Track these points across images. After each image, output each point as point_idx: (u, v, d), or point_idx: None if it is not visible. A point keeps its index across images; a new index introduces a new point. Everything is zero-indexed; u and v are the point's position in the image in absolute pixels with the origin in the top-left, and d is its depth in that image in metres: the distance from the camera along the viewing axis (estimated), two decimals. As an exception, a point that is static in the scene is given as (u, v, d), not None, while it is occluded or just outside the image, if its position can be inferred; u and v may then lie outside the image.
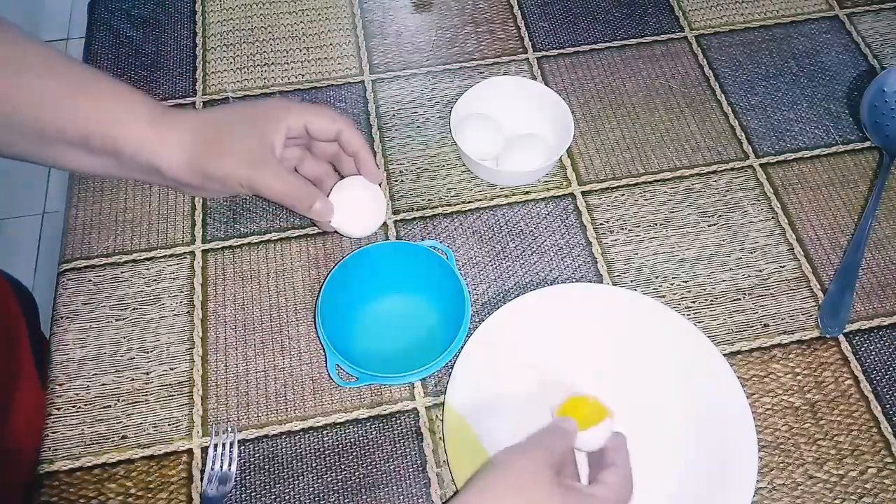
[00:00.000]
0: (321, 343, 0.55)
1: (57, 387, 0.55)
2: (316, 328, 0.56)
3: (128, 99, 0.47)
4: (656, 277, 0.61)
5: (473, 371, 0.54)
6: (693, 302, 0.60)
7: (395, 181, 0.65)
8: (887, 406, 0.55)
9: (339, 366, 0.54)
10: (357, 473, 0.52)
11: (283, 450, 0.53)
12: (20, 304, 0.63)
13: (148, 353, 0.57)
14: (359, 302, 0.58)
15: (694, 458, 0.52)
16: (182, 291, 0.60)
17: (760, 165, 0.67)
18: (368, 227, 0.56)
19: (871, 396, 0.55)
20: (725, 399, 0.53)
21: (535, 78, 0.71)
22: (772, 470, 0.53)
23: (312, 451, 0.53)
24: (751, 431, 0.51)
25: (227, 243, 0.62)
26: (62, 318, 0.58)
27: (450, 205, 0.64)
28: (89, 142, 0.46)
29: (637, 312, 0.56)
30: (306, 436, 0.54)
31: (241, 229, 0.63)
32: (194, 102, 0.70)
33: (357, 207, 0.54)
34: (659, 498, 0.51)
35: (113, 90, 0.47)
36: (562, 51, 0.74)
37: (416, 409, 0.55)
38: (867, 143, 0.68)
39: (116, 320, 0.58)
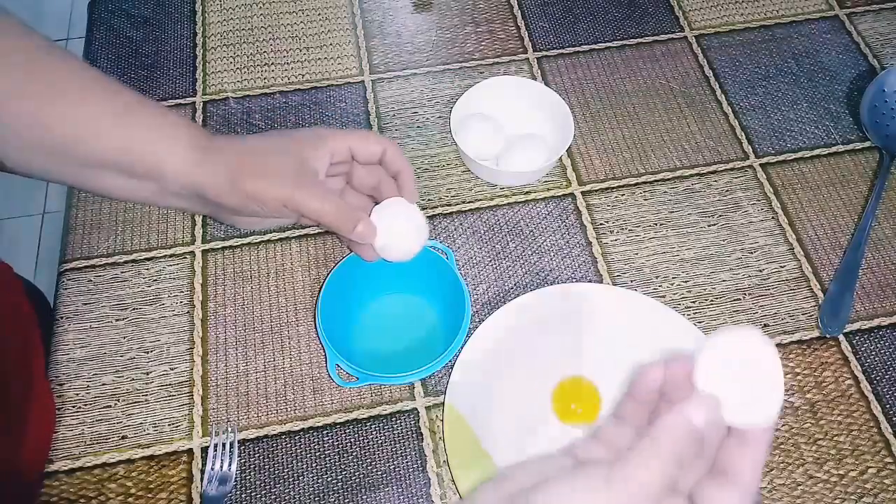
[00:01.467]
0: (321, 343, 0.55)
1: (57, 387, 0.55)
2: (316, 328, 0.56)
3: (171, 123, 0.46)
4: (656, 277, 0.61)
5: (473, 371, 0.54)
6: (693, 302, 0.60)
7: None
8: (887, 406, 0.55)
9: (339, 366, 0.54)
10: (357, 473, 0.53)
11: (283, 450, 0.53)
12: (33, 307, 0.63)
13: (148, 353, 0.57)
14: (359, 302, 0.58)
15: None
16: (182, 291, 0.60)
17: (760, 165, 0.67)
18: (412, 250, 0.53)
19: (871, 396, 0.55)
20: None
21: (535, 78, 0.71)
22: (772, 470, 0.53)
23: (312, 451, 0.53)
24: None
25: (227, 243, 0.62)
26: (62, 318, 0.58)
27: (450, 205, 0.64)
28: (133, 166, 0.45)
29: (637, 312, 0.56)
30: (306, 436, 0.54)
31: (242, 229, 0.63)
32: (194, 102, 0.70)
33: (400, 230, 0.52)
34: None
35: (154, 113, 0.46)
36: (562, 51, 0.74)
37: (416, 409, 0.55)
38: (867, 143, 0.68)
39: (116, 320, 0.58)
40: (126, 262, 0.61)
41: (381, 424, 0.54)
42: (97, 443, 0.53)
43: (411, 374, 0.53)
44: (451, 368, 0.54)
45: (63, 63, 0.44)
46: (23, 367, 0.54)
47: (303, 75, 0.72)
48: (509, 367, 0.55)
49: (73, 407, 0.55)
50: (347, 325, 0.57)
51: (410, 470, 0.53)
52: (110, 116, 0.44)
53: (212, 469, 0.52)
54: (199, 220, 0.63)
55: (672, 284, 0.60)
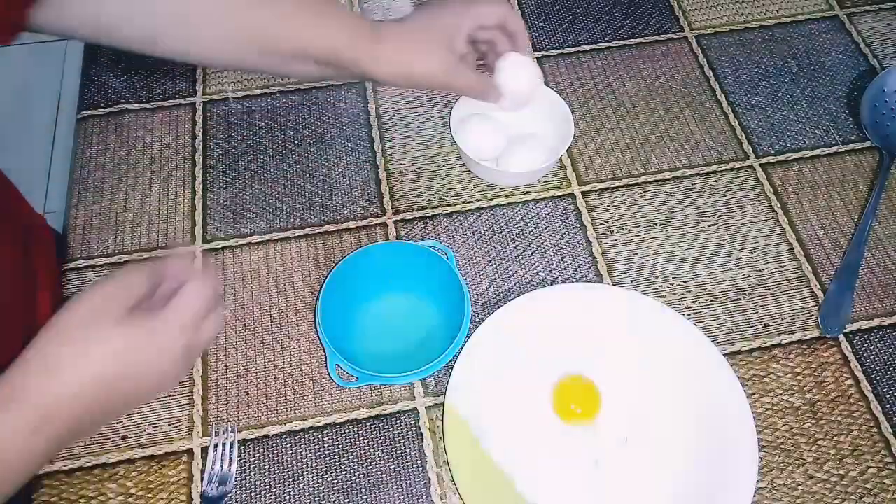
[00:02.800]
0: (321, 343, 0.55)
1: (57, 387, 0.55)
2: (316, 328, 0.56)
3: (346, 19, 0.55)
4: (656, 277, 0.61)
5: (473, 371, 0.54)
6: (693, 302, 0.60)
7: (396, 181, 0.65)
8: (887, 406, 0.55)
9: (339, 366, 0.54)
10: (357, 473, 0.52)
11: (283, 450, 0.53)
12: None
13: (148, 353, 0.57)
14: (359, 302, 0.58)
15: (694, 457, 0.52)
16: (182, 291, 0.60)
17: (760, 165, 0.67)
18: (531, 98, 0.61)
19: (871, 396, 0.55)
20: (725, 399, 0.53)
21: (535, 78, 0.71)
22: (772, 470, 0.53)
23: (312, 451, 0.53)
24: (751, 431, 0.51)
25: (227, 243, 0.62)
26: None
27: (450, 205, 0.64)
28: (317, 56, 0.53)
29: (637, 312, 0.56)
30: (306, 436, 0.54)
31: (241, 229, 0.63)
32: (194, 102, 0.70)
33: (523, 81, 0.60)
34: (660, 497, 0.51)
35: (331, 11, 0.54)
36: (562, 51, 0.74)
37: (416, 409, 0.55)
38: (867, 143, 0.68)
39: (116, 320, 0.58)
40: (126, 262, 0.61)
41: (381, 424, 0.54)
42: (97, 443, 0.53)
43: (411, 374, 0.53)
44: (451, 369, 0.54)
45: None
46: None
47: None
48: (509, 367, 0.55)
49: (73, 407, 0.55)
50: (347, 324, 0.57)
51: (410, 470, 0.53)
52: (311, 16, 0.53)
53: (212, 469, 0.52)
54: (199, 220, 0.63)
55: (672, 284, 0.60)
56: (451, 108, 0.65)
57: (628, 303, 0.57)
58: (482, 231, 0.63)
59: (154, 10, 0.49)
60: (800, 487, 0.52)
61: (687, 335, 0.55)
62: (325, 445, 0.53)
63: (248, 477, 0.52)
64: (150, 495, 0.51)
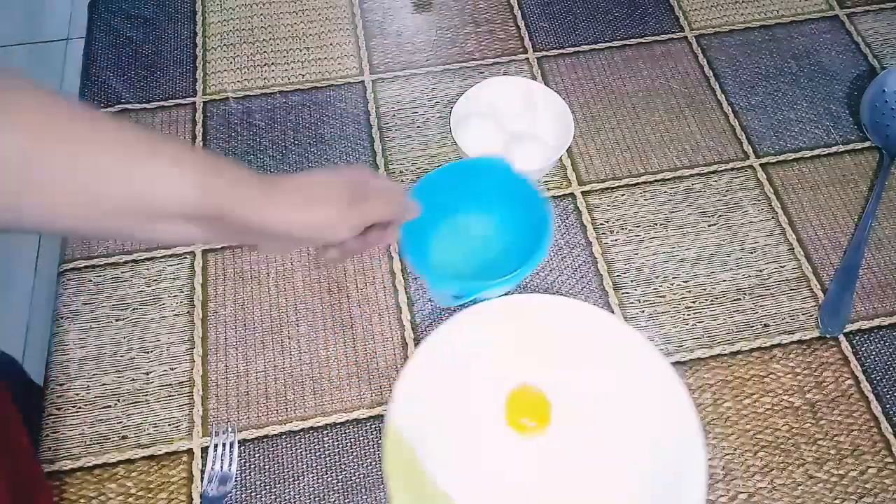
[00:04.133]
0: (413, 274, 0.54)
1: (57, 387, 0.55)
2: (403, 259, 0.56)
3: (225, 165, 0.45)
4: (656, 277, 0.61)
5: (418, 386, 0.52)
6: (693, 302, 0.60)
7: (396, 181, 0.65)
8: (887, 406, 0.55)
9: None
10: (357, 473, 0.53)
11: (283, 450, 0.53)
12: (13, 397, 0.56)
13: (148, 353, 0.57)
14: (437, 223, 0.57)
15: (647, 474, 0.50)
16: (182, 291, 0.60)
17: (760, 165, 0.67)
18: None
19: (871, 396, 0.55)
20: (674, 413, 0.51)
21: (535, 78, 0.71)
22: (772, 470, 0.53)
23: (312, 451, 0.53)
24: (700, 447, 0.49)
25: (227, 243, 0.62)
26: (62, 318, 0.58)
27: (450, 205, 0.64)
28: (200, 211, 0.43)
29: (591, 326, 0.54)
30: (306, 436, 0.54)
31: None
32: (194, 102, 0.70)
33: None
34: None
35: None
36: (562, 51, 0.74)
37: (416, 409, 0.55)
38: (867, 143, 0.68)
39: (116, 320, 0.58)
40: (126, 262, 0.61)
41: (381, 424, 0.54)
42: (97, 443, 0.53)
43: (508, 278, 0.53)
44: (394, 383, 0.52)
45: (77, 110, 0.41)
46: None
47: (303, 75, 0.72)
48: (456, 382, 0.53)
49: (73, 407, 0.55)
50: (427, 245, 0.56)
51: (410, 470, 0.53)
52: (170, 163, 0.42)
53: (212, 469, 0.52)
54: (199, 220, 0.63)
55: (672, 284, 0.60)
56: (451, 108, 0.65)
57: (582, 316, 0.54)
58: (482, 231, 0.63)
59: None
60: (800, 487, 0.52)
61: (641, 348, 0.53)
62: (325, 445, 0.53)
63: (248, 477, 0.52)
64: (150, 495, 0.51)
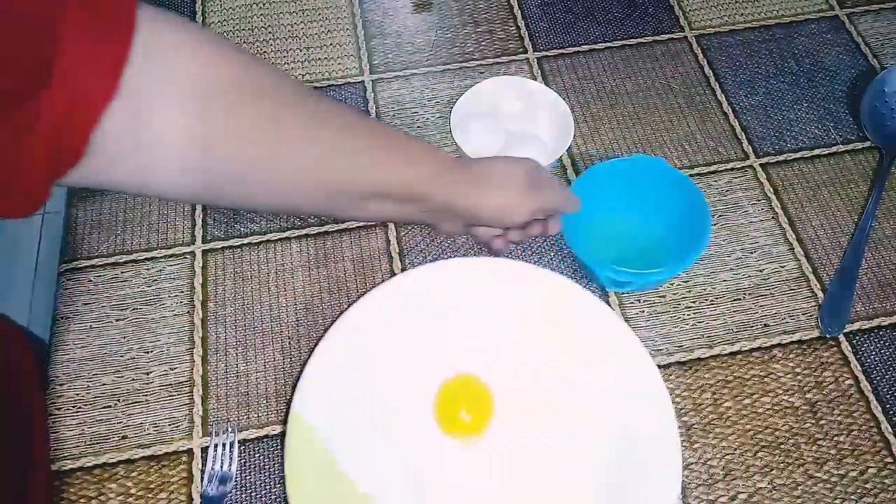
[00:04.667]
0: (576, 263, 0.55)
1: (57, 387, 0.55)
2: (566, 248, 0.58)
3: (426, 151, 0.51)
4: (656, 277, 0.61)
5: (330, 373, 0.47)
6: (693, 302, 0.60)
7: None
8: (887, 406, 0.55)
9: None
10: (357, 473, 0.52)
11: (283, 450, 0.53)
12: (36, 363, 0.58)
13: (148, 353, 0.57)
14: (593, 216, 0.57)
15: (609, 468, 0.47)
16: (182, 291, 0.60)
17: (760, 165, 0.67)
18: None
19: (871, 396, 0.55)
20: (647, 406, 0.48)
21: (535, 78, 0.71)
22: (772, 470, 0.53)
23: (312, 451, 0.53)
24: (671, 421, 0.46)
25: (227, 243, 0.62)
26: (62, 318, 0.58)
27: (450, 205, 0.64)
28: (401, 193, 0.48)
29: (548, 295, 0.50)
30: (306, 436, 0.54)
31: (241, 229, 0.63)
32: (194, 102, 0.70)
33: None
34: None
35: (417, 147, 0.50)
36: (562, 51, 0.74)
37: (416, 409, 0.55)
38: (867, 143, 0.68)
39: (116, 320, 0.58)
40: (126, 262, 0.61)
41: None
42: (97, 443, 0.53)
43: (675, 266, 0.55)
44: (303, 367, 0.49)
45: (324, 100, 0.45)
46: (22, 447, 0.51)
47: (303, 75, 0.72)
48: (379, 366, 0.48)
49: (73, 407, 0.55)
50: (586, 238, 0.57)
51: (410, 470, 0.53)
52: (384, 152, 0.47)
53: (212, 469, 0.52)
54: (199, 220, 0.63)
55: (672, 284, 0.60)
56: (451, 108, 0.65)
57: (534, 284, 0.51)
58: (482, 231, 0.63)
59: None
60: (800, 487, 0.52)
61: (605, 321, 0.49)
62: (325, 445, 0.53)
63: (248, 477, 0.52)
64: (150, 495, 0.51)
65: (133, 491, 0.52)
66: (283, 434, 0.54)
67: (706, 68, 0.73)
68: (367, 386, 0.48)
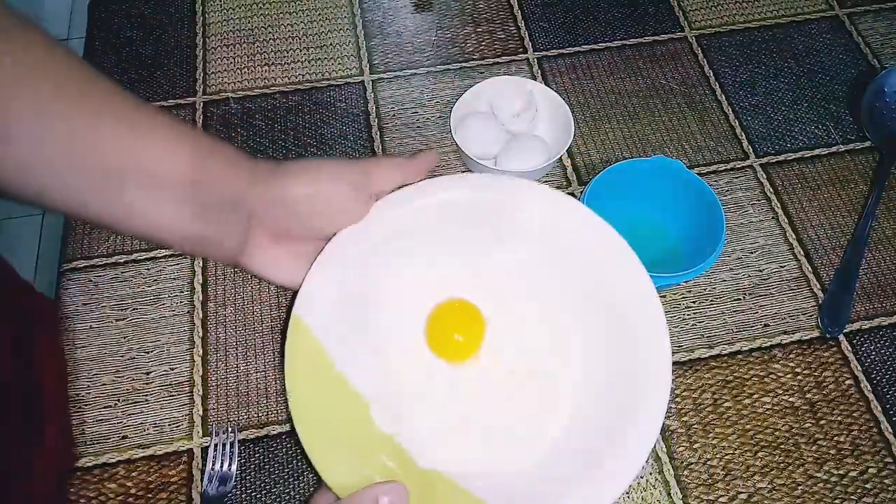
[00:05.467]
0: None
1: (57, 387, 0.55)
2: None
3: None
4: (656, 277, 0.61)
5: (333, 280, 0.44)
6: (693, 302, 0.60)
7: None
8: (887, 406, 0.55)
9: None
10: (357, 473, 0.52)
11: (283, 450, 0.53)
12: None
13: (148, 353, 0.57)
14: (613, 216, 0.54)
15: (598, 386, 0.44)
16: (182, 291, 0.60)
17: (760, 165, 0.67)
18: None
19: (871, 396, 0.55)
20: (638, 319, 0.44)
21: (535, 78, 0.71)
22: (772, 470, 0.53)
23: (312, 451, 0.53)
24: (666, 357, 0.43)
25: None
26: (62, 318, 0.58)
27: (450, 205, 0.64)
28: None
29: (560, 219, 0.48)
30: (306, 436, 0.54)
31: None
32: (194, 102, 0.70)
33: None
34: (548, 437, 0.44)
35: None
36: (562, 51, 0.74)
37: (416, 409, 0.55)
38: (867, 143, 0.68)
39: (117, 320, 0.58)
40: (126, 262, 0.61)
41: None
42: (97, 443, 0.53)
43: (690, 272, 0.54)
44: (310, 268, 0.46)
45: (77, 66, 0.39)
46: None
47: (303, 75, 0.72)
48: (379, 278, 0.46)
49: (73, 407, 0.55)
50: None
51: (410, 470, 0.53)
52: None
53: (212, 469, 0.52)
54: (199, 220, 0.63)
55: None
56: (451, 108, 0.65)
57: (551, 206, 0.48)
58: (482, 231, 0.63)
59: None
60: (800, 487, 0.52)
61: (617, 252, 0.46)
62: (325, 445, 0.53)
63: (248, 477, 0.52)
64: (150, 495, 0.51)
65: (133, 491, 0.52)
66: (283, 434, 0.54)
67: (706, 68, 0.73)
68: (366, 299, 0.46)
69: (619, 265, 0.46)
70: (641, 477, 0.53)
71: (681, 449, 0.54)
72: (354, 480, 0.41)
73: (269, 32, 0.75)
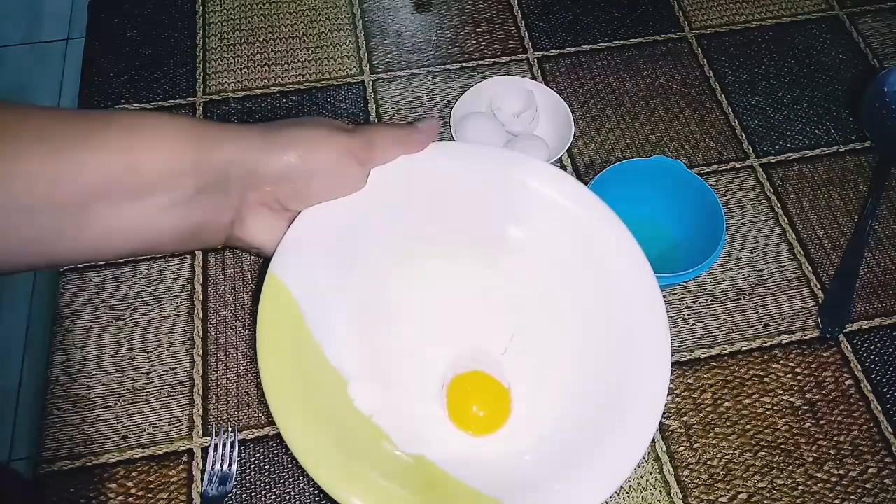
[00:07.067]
0: None
1: (57, 387, 0.55)
2: None
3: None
4: (656, 277, 0.61)
5: (313, 246, 0.42)
6: (693, 302, 0.60)
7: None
8: (887, 406, 0.55)
9: None
10: (357, 473, 0.52)
11: (283, 450, 0.53)
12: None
13: (148, 353, 0.57)
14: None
15: (595, 366, 0.45)
16: (182, 291, 0.60)
17: (760, 165, 0.67)
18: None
19: (871, 396, 0.55)
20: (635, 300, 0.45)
21: (535, 78, 0.71)
22: (772, 470, 0.53)
23: (312, 451, 0.53)
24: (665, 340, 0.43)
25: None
26: (62, 318, 0.58)
27: (450, 205, 0.64)
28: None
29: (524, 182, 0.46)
30: (306, 436, 0.54)
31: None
32: (194, 102, 0.70)
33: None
34: (540, 421, 0.44)
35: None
36: (562, 51, 0.74)
37: (416, 409, 0.55)
38: (867, 143, 0.68)
39: (116, 320, 0.58)
40: (126, 262, 0.61)
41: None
42: (97, 443, 0.53)
43: (692, 272, 0.54)
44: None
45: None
46: None
47: (303, 75, 0.72)
48: (368, 247, 0.45)
49: (73, 407, 0.55)
50: None
51: (410, 470, 0.53)
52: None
53: (212, 469, 0.52)
54: (199, 220, 0.63)
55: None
56: (451, 108, 0.65)
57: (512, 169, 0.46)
58: (482, 231, 0.63)
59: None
60: (800, 487, 0.52)
61: (613, 236, 0.46)
62: (325, 445, 0.53)
63: (248, 477, 0.52)
64: (150, 495, 0.51)
65: (133, 491, 0.52)
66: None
67: (706, 68, 0.73)
68: (354, 262, 0.44)
69: (629, 266, 0.46)
70: (641, 477, 0.53)
71: (681, 449, 0.54)
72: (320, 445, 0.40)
73: (269, 32, 0.75)
